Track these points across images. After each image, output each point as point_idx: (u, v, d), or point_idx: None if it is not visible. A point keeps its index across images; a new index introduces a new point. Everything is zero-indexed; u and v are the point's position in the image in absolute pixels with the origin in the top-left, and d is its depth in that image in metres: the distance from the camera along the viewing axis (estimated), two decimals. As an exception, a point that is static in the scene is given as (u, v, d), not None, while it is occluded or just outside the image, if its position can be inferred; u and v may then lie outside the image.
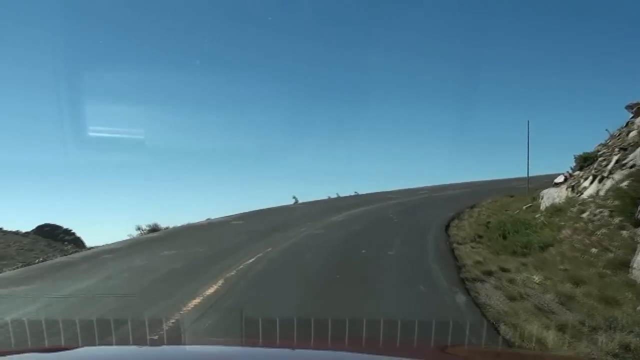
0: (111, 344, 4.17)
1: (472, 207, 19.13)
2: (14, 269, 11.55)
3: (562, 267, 8.62)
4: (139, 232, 17.91)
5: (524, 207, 16.41)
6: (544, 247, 10.21)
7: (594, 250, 9.16)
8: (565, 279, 7.91)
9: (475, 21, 51.51)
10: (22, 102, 53.10)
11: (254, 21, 57.03)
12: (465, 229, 13.96)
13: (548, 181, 19.38)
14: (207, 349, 2.70)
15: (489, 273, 8.54)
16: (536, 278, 8.15)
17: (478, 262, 9.41)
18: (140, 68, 43.14)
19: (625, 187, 10.76)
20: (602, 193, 12.07)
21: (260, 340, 3.65)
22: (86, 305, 6.31)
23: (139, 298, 7.23)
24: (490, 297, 7.14)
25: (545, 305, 6.70)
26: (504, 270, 8.80)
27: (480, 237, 12.59)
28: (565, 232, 10.72)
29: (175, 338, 5.28)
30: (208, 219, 21.61)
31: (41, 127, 60.29)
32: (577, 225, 10.70)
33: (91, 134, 23.12)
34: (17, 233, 33.39)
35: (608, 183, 12.25)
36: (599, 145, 15.83)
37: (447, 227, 14.54)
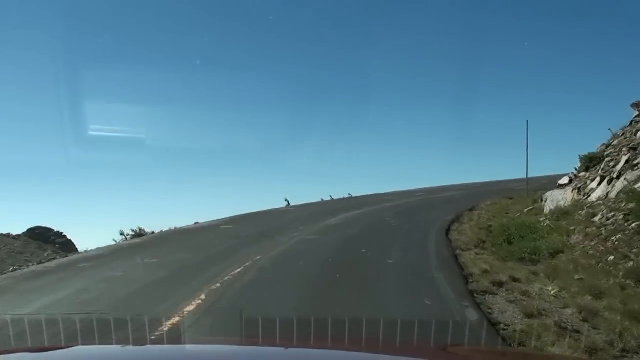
0: None
1: (471, 209, 18.47)
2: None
3: (576, 276, 7.99)
4: (124, 237, 17.06)
5: (525, 210, 15.75)
6: (553, 254, 9.57)
7: (609, 257, 8.53)
8: (581, 289, 7.28)
9: (474, 22, 51.19)
10: (22, 104, 52.53)
11: (254, 22, 56.59)
12: (467, 233, 13.26)
13: (547, 182, 18.76)
14: (207, 349, 2.62)
15: (499, 283, 7.84)
16: (550, 289, 7.48)
17: (485, 271, 8.69)
18: (140, 68, 42.36)
19: (638, 189, 10.16)
20: (611, 195, 11.42)
21: (260, 340, 3.58)
22: (48, 325, 5.48)
23: (111, 315, 6.41)
24: (503, 312, 6.45)
25: (566, 321, 6.02)
26: (513, 279, 8.11)
27: (483, 242, 11.90)
28: (575, 237, 10.06)
29: None
30: (197, 222, 20.86)
31: (39, 129, 59.69)
32: (588, 229, 10.04)
33: (91, 133, 23.00)
34: (9, 235, 32.44)
35: (617, 184, 11.61)
36: (602, 146, 15.26)
37: (448, 231, 13.85)
